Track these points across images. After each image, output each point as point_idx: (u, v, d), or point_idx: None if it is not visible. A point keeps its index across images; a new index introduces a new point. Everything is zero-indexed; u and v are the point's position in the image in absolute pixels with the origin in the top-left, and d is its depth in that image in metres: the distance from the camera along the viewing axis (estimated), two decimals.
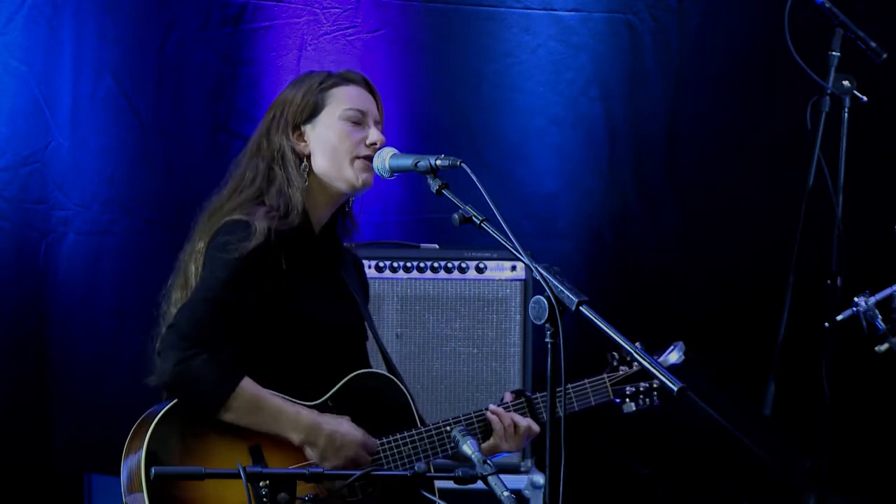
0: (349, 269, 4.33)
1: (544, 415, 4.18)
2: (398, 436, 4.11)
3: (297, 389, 4.06)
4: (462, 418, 4.16)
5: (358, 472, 3.58)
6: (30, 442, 5.93)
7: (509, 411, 4.20)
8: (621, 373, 4.34)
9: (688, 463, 6.12)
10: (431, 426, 4.14)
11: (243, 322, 4.02)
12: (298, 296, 4.10)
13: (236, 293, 4.00)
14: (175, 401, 3.96)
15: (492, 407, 4.20)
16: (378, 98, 4.26)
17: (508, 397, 4.23)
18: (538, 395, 4.23)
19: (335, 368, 4.13)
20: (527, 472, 5.50)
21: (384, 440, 4.10)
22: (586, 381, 4.29)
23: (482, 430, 4.18)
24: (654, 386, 4.32)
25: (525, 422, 4.18)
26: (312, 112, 4.17)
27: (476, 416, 4.19)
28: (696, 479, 6.14)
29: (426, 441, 4.11)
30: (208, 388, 3.93)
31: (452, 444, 4.05)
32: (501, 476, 3.59)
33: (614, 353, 4.35)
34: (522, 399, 4.22)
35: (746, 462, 5.99)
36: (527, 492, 5.45)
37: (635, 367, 4.32)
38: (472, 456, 3.65)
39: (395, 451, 4.10)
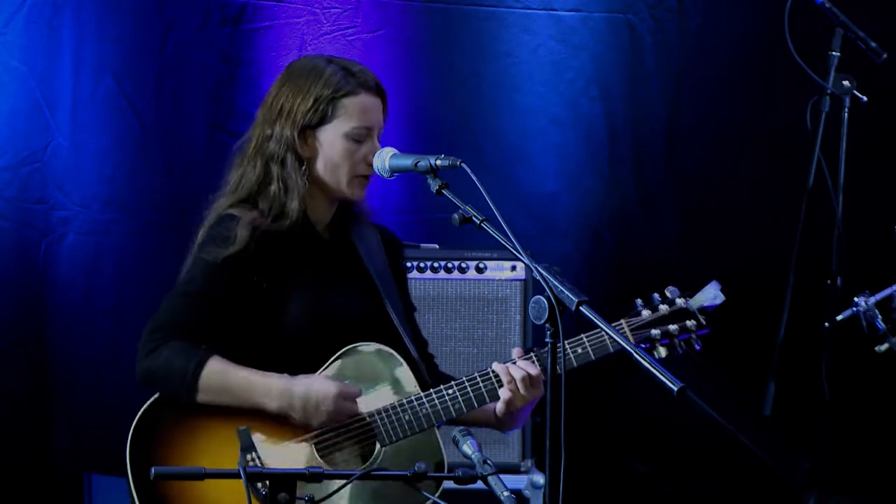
0: (372, 251, 4.25)
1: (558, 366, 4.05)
2: (394, 404, 4.05)
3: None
4: (465, 380, 4.07)
5: (358, 472, 3.58)
6: (30, 442, 5.92)
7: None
8: (643, 317, 4.10)
9: (688, 463, 6.12)
10: (433, 391, 4.05)
11: (221, 316, 4.04)
12: (291, 293, 4.08)
13: (211, 288, 4.03)
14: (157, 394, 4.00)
15: (496, 364, 4.07)
16: (385, 100, 4.21)
17: (516, 353, 4.09)
18: (546, 350, 4.09)
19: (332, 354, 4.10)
20: (527, 472, 5.50)
21: (379, 409, 4.04)
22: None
23: (488, 390, 4.06)
24: (691, 326, 4.11)
25: (537, 369, 4.03)
26: (321, 120, 4.11)
27: (480, 375, 4.08)
28: (696, 479, 6.14)
29: (426, 407, 4.05)
30: (177, 373, 3.96)
31: (457, 407, 4.03)
32: (501, 476, 3.59)
33: (657, 295, 4.12)
34: (531, 354, 4.08)
35: (746, 462, 5.99)
36: (527, 492, 5.44)
37: (662, 309, 4.08)
38: (472, 456, 3.64)
39: (394, 419, 4.04)
